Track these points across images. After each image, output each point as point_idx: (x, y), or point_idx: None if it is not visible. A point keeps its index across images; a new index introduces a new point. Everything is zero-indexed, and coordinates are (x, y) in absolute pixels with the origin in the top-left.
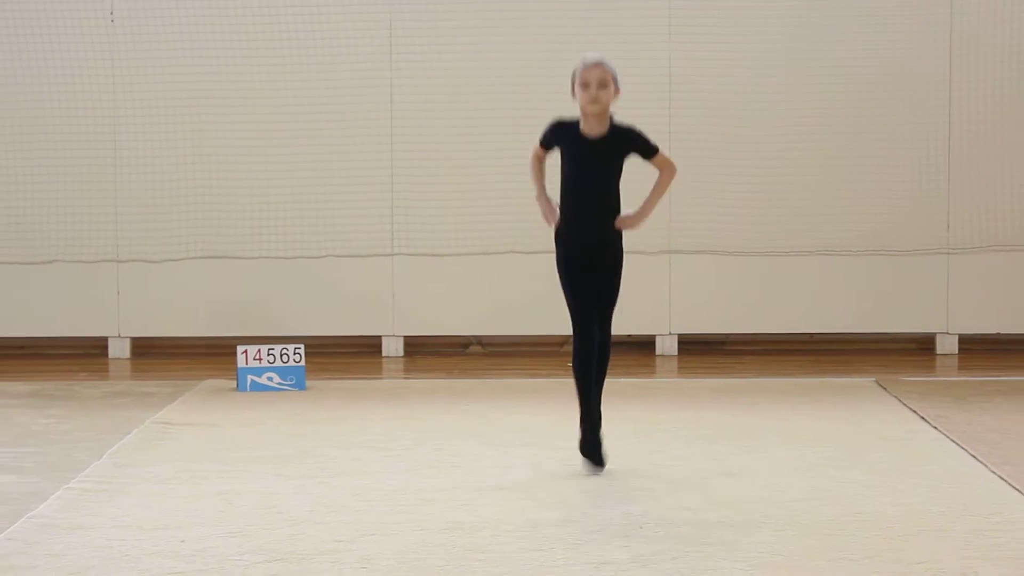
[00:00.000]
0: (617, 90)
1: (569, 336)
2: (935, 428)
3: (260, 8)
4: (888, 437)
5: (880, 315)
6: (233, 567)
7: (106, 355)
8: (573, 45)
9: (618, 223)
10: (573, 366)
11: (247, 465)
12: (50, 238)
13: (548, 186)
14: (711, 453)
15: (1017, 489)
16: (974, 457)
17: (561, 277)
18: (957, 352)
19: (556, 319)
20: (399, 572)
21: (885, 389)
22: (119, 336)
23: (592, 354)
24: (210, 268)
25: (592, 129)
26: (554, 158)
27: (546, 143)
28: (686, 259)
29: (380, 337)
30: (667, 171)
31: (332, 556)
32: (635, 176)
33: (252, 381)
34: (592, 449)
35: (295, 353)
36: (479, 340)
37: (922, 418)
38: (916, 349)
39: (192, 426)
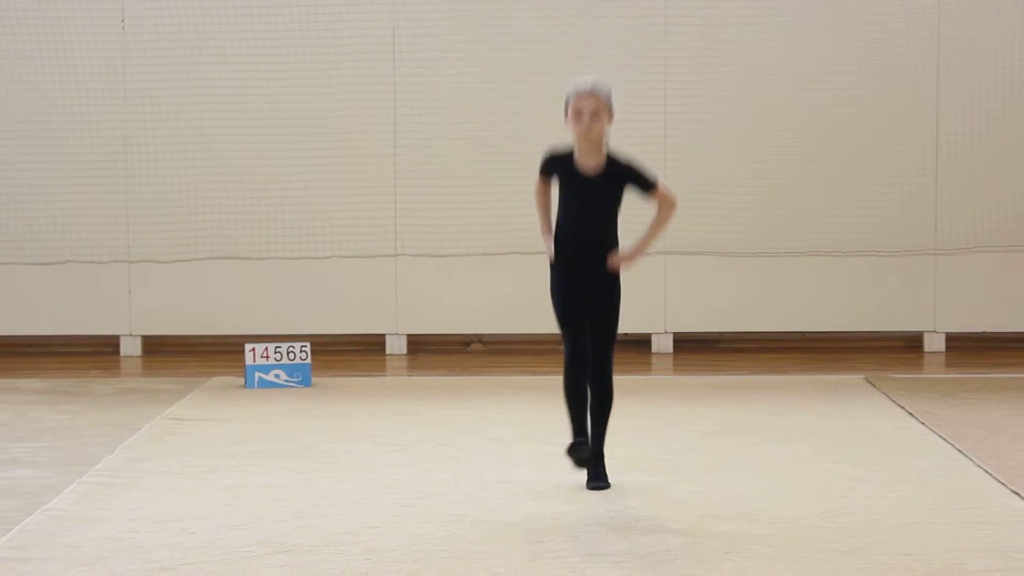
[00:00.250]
0: (611, 117)
1: None
2: (923, 424)
3: (268, 16)
4: (877, 432)
5: (870, 314)
6: (241, 559)
7: (118, 353)
8: (572, 51)
9: (611, 263)
10: (565, 391)
11: (255, 459)
12: (63, 240)
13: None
14: (705, 448)
15: (1002, 483)
16: (960, 452)
17: (554, 304)
18: (944, 350)
19: (555, 318)
20: (403, 563)
21: (874, 386)
22: (130, 334)
23: (583, 376)
24: (218, 268)
25: (587, 161)
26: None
27: (546, 171)
28: (681, 260)
29: (384, 335)
30: (666, 206)
31: (338, 548)
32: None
33: (260, 378)
34: (582, 453)
35: (301, 351)
36: (480, 338)
37: (910, 414)
38: (904, 347)
39: (201, 422)
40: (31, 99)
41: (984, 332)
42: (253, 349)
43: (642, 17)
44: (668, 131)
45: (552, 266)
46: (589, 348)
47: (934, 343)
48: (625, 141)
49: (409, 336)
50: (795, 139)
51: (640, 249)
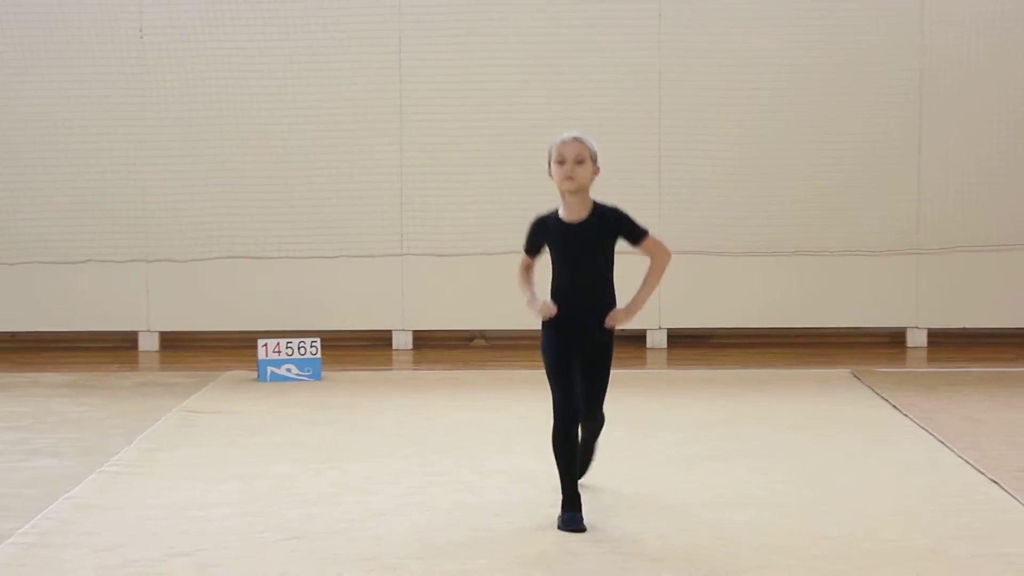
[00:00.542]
0: (596, 169)
1: None
2: (906, 416)
3: (279, 27)
4: (862, 424)
5: (855, 311)
6: (254, 544)
7: (136, 348)
8: (573, 58)
9: (608, 321)
10: (554, 447)
11: (267, 450)
12: (84, 240)
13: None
14: (698, 438)
15: (982, 472)
16: (942, 443)
17: (546, 361)
18: (926, 345)
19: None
20: (408, 548)
21: (859, 380)
22: (148, 330)
23: (573, 435)
24: (232, 267)
25: (573, 214)
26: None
27: (531, 247)
28: (675, 260)
29: (390, 331)
30: (660, 258)
31: (346, 534)
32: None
33: (272, 372)
34: (577, 524)
35: (312, 346)
36: (482, 334)
37: (894, 407)
38: (888, 342)
39: (216, 414)
40: (54, 106)
41: (964, 328)
42: (265, 344)
43: (637, 17)
44: (662, 142)
45: (544, 324)
46: (580, 401)
47: (917, 339)
48: (621, 144)
49: (414, 332)
50: (784, 145)
51: (637, 305)
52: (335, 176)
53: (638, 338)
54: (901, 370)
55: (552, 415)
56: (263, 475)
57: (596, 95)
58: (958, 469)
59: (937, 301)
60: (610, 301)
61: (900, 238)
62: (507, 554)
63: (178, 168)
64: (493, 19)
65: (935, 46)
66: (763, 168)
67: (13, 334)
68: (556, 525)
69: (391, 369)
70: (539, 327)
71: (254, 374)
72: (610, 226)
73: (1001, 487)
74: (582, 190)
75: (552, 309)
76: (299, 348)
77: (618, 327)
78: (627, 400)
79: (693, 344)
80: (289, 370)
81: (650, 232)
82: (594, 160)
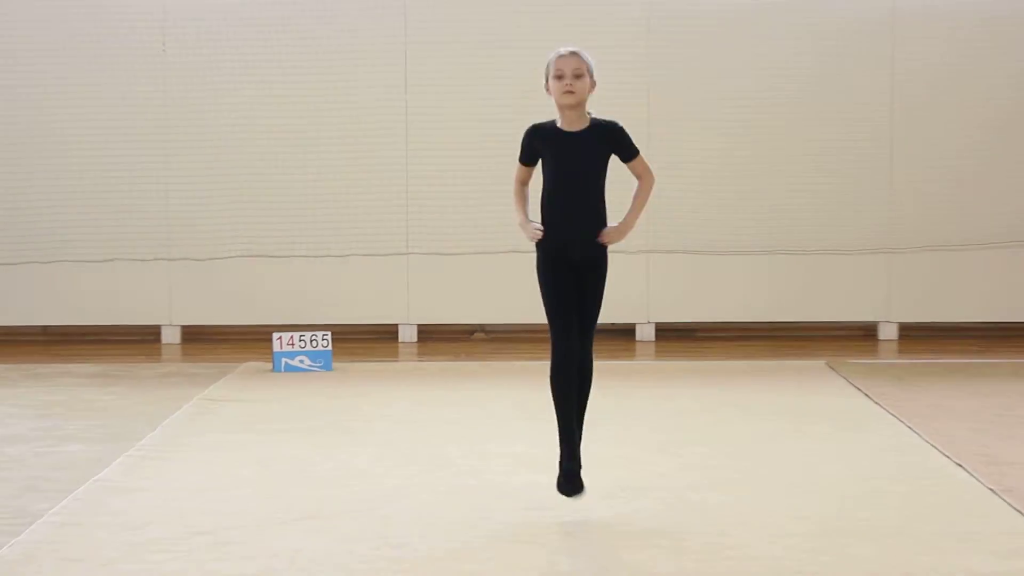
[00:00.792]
0: (593, 83)
1: None
2: (878, 404)
3: (293, 39)
4: (837, 411)
5: (830, 306)
6: (270, 523)
7: (159, 341)
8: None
9: (602, 238)
10: (552, 384)
11: (282, 436)
12: (111, 240)
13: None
14: (683, 425)
15: (947, 456)
16: (911, 429)
17: (541, 282)
18: (897, 338)
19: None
20: (415, 528)
21: (834, 370)
22: (171, 324)
23: (572, 372)
24: (249, 265)
25: (571, 125)
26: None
27: (526, 156)
28: (663, 257)
29: (397, 325)
30: (647, 180)
31: (356, 515)
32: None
33: (286, 363)
34: (574, 486)
35: (323, 339)
36: (483, 328)
37: (866, 395)
38: (861, 336)
39: (234, 402)
40: (82, 114)
41: (933, 322)
42: (280, 337)
43: (625, 26)
44: (651, 143)
45: (539, 245)
46: (576, 334)
47: (888, 332)
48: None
49: (419, 326)
50: (765, 154)
51: (628, 225)
52: (345, 181)
53: (627, 332)
54: (873, 361)
55: (551, 351)
56: (278, 459)
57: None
58: (926, 453)
59: (907, 297)
60: (603, 213)
61: (872, 239)
62: (506, 533)
63: (198, 174)
64: (491, 40)
65: (905, 58)
66: (746, 175)
67: (45, 328)
68: (556, 486)
69: (397, 360)
70: (536, 319)
71: (269, 365)
72: (606, 138)
73: (966, 470)
74: (581, 104)
75: (538, 234)
76: (311, 341)
77: (610, 245)
78: (617, 389)
79: (680, 337)
80: (302, 361)
81: (641, 153)
82: (591, 74)
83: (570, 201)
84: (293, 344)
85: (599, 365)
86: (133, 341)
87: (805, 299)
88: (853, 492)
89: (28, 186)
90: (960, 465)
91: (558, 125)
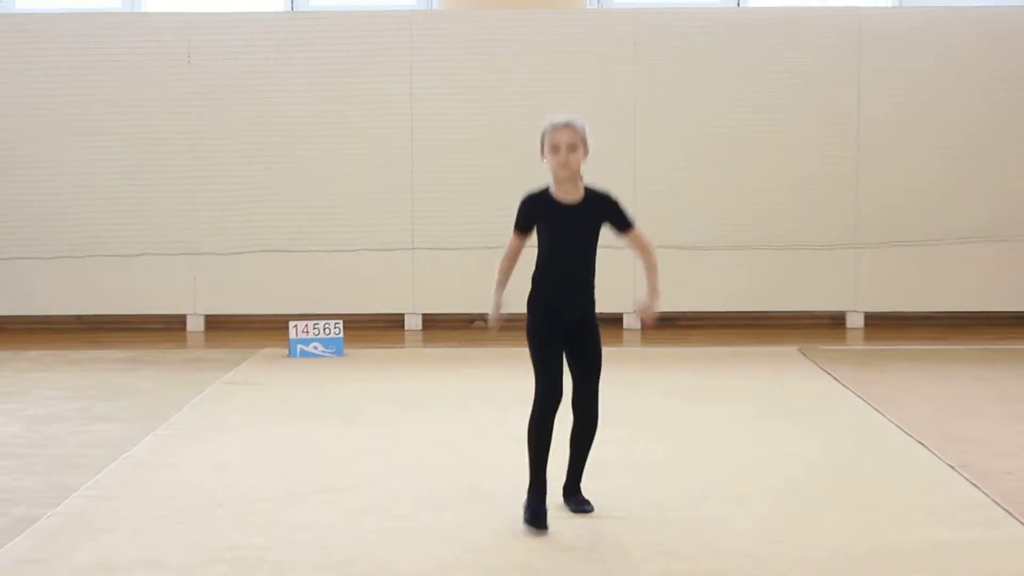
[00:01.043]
0: (587, 151)
1: None
2: (845, 387)
3: (310, 52)
4: (808, 394)
5: (801, 296)
6: (286, 496)
7: (185, 329)
8: (558, 74)
9: (644, 314)
10: (530, 431)
11: (296, 416)
12: (140, 236)
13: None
14: (667, 407)
15: (908, 434)
16: (876, 410)
17: (530, 339)
18: (863, 326)
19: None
20: (419, 501)
21: (805, 356)
22: (195, 313)
23: (552, 422)
24: (267, 259)
25: (566, 194)
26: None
27: (523, 225)
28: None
29: (403, 314)
30: (651, 252)
31: (365, 489)
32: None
33: (301, 349)
34: (541, 520)
35: (335, 327)
36: (482, 317)
37: (835, 379)
38: (830, 324)
39: (253, 385)
40: (115, 119)
41: (896, 312)
42: (295, 325)
43: (615, 38)
44: (636, 151)
45: (530, 306)
46: (562, 387)
47: (855, 321)
48: (601, 149)
49: (423, 315)
50: (740, 155)
51: (657, 292)
52: (355, 181)
53: (615, 320)
54: (841, 348)
55: (534, 399)
56: (293, 437)
57: (583, 114)
58: (889, 432)
59: (872, 289)
60: (593, 284)
61: (841, 235)
62: (504, 505)
63: (221, 175)
64: (491, 52)
65: (871, 69)
66: (725, 180)
67: (80, 317)
68: (523, 518)
69: (403, 347)
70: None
71: (285, 351)
72: (601, 210)
73: (927, 448)
74: (576, 175)
75: (497, 325)
76: (324, 329)
77: (655, 314)
78: (606, 374)
79: (663, 326)
80: (316, 348)
81: (636, 225)
82: (585, 143)
83: (565, 270)
84: (307, 332)
85: None
86: (160, 329)
87: (779, 291)
88: (822, 468)
89: (65, 188)
90: (921, 443)
91: (553, 194)
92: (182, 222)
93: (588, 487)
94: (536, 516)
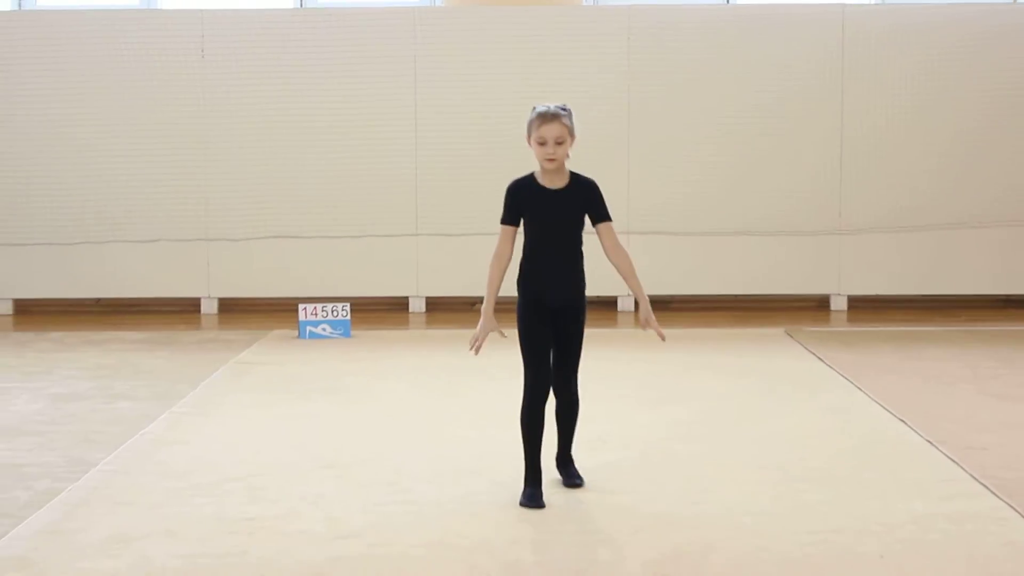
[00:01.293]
0: (573, 138)
1: None
2: (829, 367)
3: (319, 45)
4: (793, 373)
5: (788, 280)
6: (296, 471)
7: (199, 311)
8: (556, 67)
9: (650, 324)
10: (523, 421)
11: (305, 394)
12: (156, 222)
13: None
14: (659, 385)
15: (891, 412)
16: (859, 388)
17: (520, 327)
18: (847, 309)
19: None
20: (422, 475)
21: (791, 337)
22: (208, 296)
23: (543, 411)
24: (278, 244)
25: (552, 182)
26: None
27: (510, 216)
28: (641, 237)
29: (407, 297)
30: (625, 253)
31: (372, 464)
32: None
33: (310, 331)
34: (537, 501)
35: (343, 310)
36: (483, 302)
37: (820, 359)
38: (815, 306)
39: (264, 365)
40: (130, 111)
41: (877, 295)
42: (305, 308)
43: (608, 33)
44: (631, 143)
45: (520, 292)
46: (551, 377)
47: (839, 303)
48: (595, 137)
49: (427, 298)
50: (729, 143)
51: (646, 301)
52: (361, 169)
53: (610, 303)
54: (826, 329)
55: (523, 390)
56: (303, 415)
57: (579, 112)
58: (872, 410)
59: (855, 273)
60: (581, 269)
61: (825, 222)
62: (505, 479)
63: (233, 164)
64: (490, 48)
65: (854, 69)
66: (715, 170)
67: (99, 299)
68: (518, 501)
69: (408, 328)
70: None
71: (295, 332)
72: (585, 195)
73: (907, 424)
74: (562, 164)
75: (481, 342)
76: (332, 311)
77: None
78: (601, 353)
79: (656, 308)
80: (324, 329)
81: (611, 221)
82: (572, 133)
83: (552, 255)
84: (316, 314)
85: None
86: (175, 311)
87: (766, 274)
88: (808, 444)
89: (84, 177)
90: (902, 420)
91: (538, 180)
92: (196, 210)
93: (581, 462)
94: (531, 499)
